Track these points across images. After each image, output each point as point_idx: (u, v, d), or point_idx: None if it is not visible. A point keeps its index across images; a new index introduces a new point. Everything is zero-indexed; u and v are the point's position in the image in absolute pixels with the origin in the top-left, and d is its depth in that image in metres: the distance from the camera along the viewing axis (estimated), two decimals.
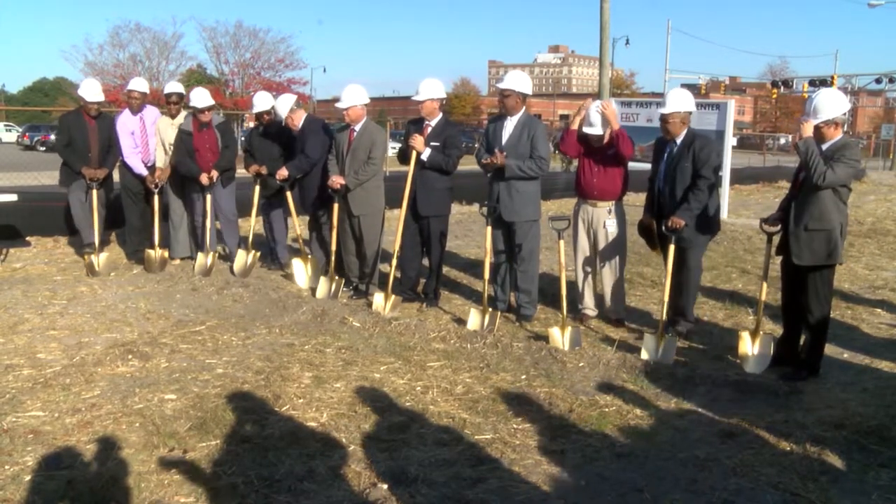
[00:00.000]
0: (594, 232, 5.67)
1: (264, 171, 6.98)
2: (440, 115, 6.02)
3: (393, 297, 6.09)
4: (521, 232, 5.77)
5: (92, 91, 7.15)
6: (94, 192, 7.10)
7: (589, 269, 5.82)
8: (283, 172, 6.63)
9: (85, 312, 5.80)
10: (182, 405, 4.04)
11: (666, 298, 5.16)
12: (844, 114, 4.45)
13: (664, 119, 5.20)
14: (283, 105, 6.77)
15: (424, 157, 5.85)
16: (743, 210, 13.72)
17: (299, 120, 6.74)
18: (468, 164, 7.55)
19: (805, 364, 4.72)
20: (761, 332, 4.96)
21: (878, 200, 16.24)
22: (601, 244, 5.63)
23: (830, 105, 4.39)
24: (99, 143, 7.17)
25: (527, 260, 5.83)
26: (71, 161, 7.12)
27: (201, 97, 7.12)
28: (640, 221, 5.55)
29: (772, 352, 4.87)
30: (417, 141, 5.84)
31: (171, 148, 7.27)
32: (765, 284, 5.01)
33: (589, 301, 5.89)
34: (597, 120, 5.39)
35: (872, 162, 31.85)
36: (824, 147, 4.43)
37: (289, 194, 6.76)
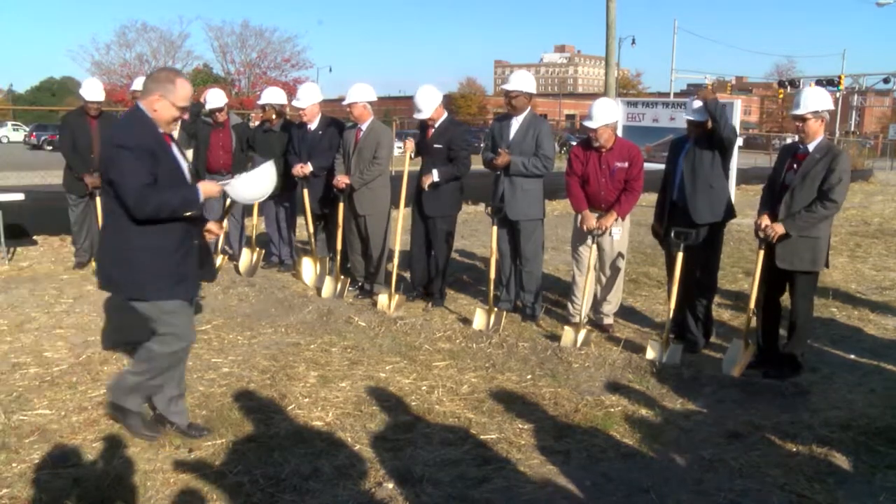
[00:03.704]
0: (598, 239, 5.55)
1: None
2: (444, 114, 6.02)
3: (398, 296, 6.09)
4: (525, 231, 5.76)
5: (92, 90, 7.02)
6: (98, 199, 7.05)
7: (582, 279, 5.61)
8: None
9: (91, 311, 5.81)
10: (188, 404, 4.03)
11: (672, 305, 5.11)
12: (828, 111, 4.50)
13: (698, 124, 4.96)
14: (309, 95, 6.64)
15: (436, 178, 5.82)
16: (749, 210, 13.60)
17: (314, 115, 6.70)
18: (473, 164, 7.55)
19: (787, 362, 4.70)
20: (746, 340, 4.90)
21: (885, 201, 16.19)
22: (605, 250, 5.54)
23: (817, 98, 4.46)
24: (101, 143, 7.08)
25: (531, 260, 5.81)
26: (74, 164, 7.01)
27: (213, 97, 7.18)
28: (653, 227, 5.49)
29: (741, 354, 4.82)
30: (426, 180, 5.84)
31: None
32: (755, 288, 4.90)
33: (583, 308, 5.75)
34: (596, 113, 5.23)
35: (880, 162, 31.67)
36: (810, 147, 4.48)
37: (305, 192, 6.64)
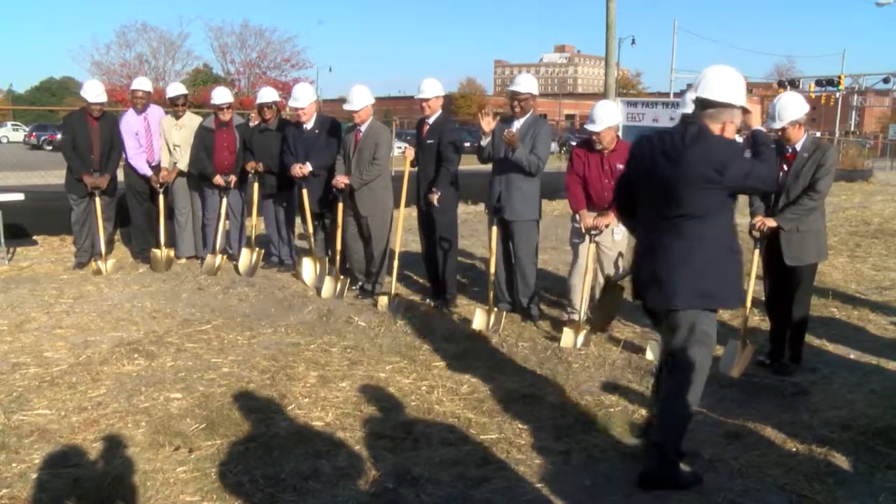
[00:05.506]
0: (598, 238, 5.45)
1: (261, 168, 6.99)
2: (440, 111, 6.02)
3: (398, 297, 6.08)
4: (518, 232, 5.71)
5: (95, 92, 7.02)
6: (98, 199, 7.06)
7: (579, 280, 5.57)
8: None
9: (91, 311, 5.82)
10: (188, 404, 4.05)
11: None
12: (805, 114, 4.59)
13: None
14: (307, 94, 6.67)
15: (440, 194, 5.88)
16: (748, 210, 13.65)
17: (313, 114, 6.69)
18: (474, 164, 7.55)
19: (791, 357, 4.79)
20: (744, 339, 4.89)
21: (885, 201, 16.19)
22: (605, 251, 5.53)
23: (793, 107, 4.53)
24: (101, 144, 7.06)
25: (524, 261, 5.76)
26: (74, 165, 7.00)
27: (220, 94, 7.19)
28: None
29: (737, 354, 4.82)
30: (433, 199, 5.89)
31: (175, 148, 7.28)
32: (751, 288, 4.93)
33: (582, 308, 5.72)
34: (598, 116, 5.19)
35: (880, 162, 31.67)
36: (797, 146, 4.60)
37: (304, 192, 6.64)
